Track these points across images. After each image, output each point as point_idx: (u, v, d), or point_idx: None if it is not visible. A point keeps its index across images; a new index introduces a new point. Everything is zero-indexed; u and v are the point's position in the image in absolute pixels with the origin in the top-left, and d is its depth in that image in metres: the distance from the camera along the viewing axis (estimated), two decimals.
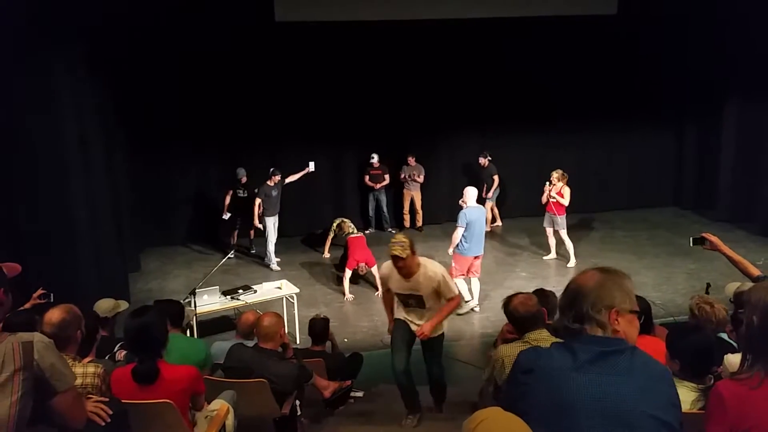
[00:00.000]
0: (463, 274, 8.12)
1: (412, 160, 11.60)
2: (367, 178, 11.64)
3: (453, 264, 8.09)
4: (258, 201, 10.06)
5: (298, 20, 10.40)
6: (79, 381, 3.29)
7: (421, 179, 11.63)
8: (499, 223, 12.23)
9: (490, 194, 11.66)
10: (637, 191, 13.15)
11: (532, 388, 1.89)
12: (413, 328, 4.97)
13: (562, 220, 9.71)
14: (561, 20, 11.07)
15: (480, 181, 11.35)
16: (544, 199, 9.73)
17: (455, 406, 5.27)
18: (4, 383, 2.12)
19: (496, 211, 12.15)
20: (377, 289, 8.91)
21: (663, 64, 12.10)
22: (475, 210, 8.03)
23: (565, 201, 9.59)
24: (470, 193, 8.11)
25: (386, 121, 11.68)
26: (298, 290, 7.95)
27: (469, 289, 8.28)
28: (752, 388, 2.05)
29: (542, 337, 3.59)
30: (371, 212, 11.93)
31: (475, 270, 8.20)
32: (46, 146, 6.82)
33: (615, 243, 11.18)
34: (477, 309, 8.40)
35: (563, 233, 9.80)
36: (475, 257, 8.13)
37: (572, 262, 9.82)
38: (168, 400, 3.23)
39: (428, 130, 11.98)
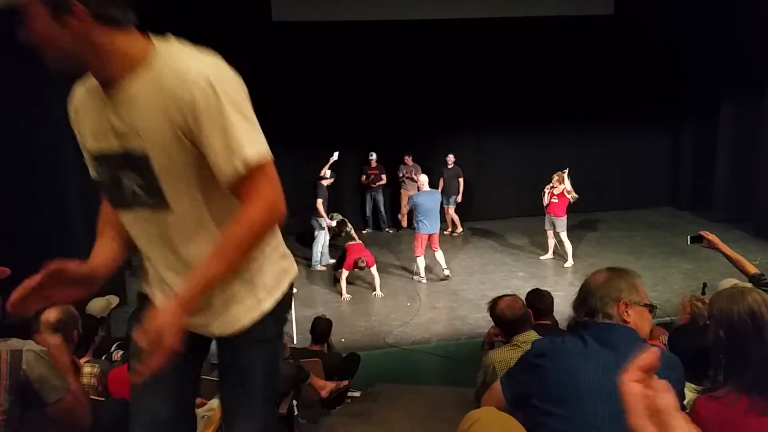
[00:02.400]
0: (422, 252, 9.23)
1: (409, 160, 11.60)
2: (363, 177, 11.62)
3: (414, 244, 9.31)
4: (320, 201, 10.05)
5: (295, 20, 10.41)
6: None
7: (417, 179, 11.61)
8: (460, 229, 11.89)
9: (459, 198, 11.63)
10: (633, 191, 13.17)
11: (545, 369, 1.97)
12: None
13: (561, 222, 9.71)
14: (558, 20, 11.09)
15: (445, 180, 11.45)
16: (545, 201, 9.77)
17: (453, 408, 5.27)
18: None
19: (456, 217, 11.83)
20: (374, 289, 8.92)
21: (659, 64, 12.12)
22: (423, 194, 9.23)
23: (572, 196, 9.61)
24: (421, 179, 9.49)
25: (383, 121, 11.68)
26: (295, 290, 7.89)
27: (425, 265, 9.41)
28: (729, 407, 2.03)
29: (530, 339, 3.55)
30: (368, 212, 11.93)
31: (433, 246, 9.29)
32: (44, 146, 6.81)
33: (611, 243, 11.19)
34: (448, 273, 9.45)
35: (563, 235, 9.81)
36: (430, 235, 9.17)
37: (569, 263, 9.83)
38: None
39: (425, 130, 11.97)
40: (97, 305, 4.93)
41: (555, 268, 9.87)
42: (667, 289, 8.88)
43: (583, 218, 12.44)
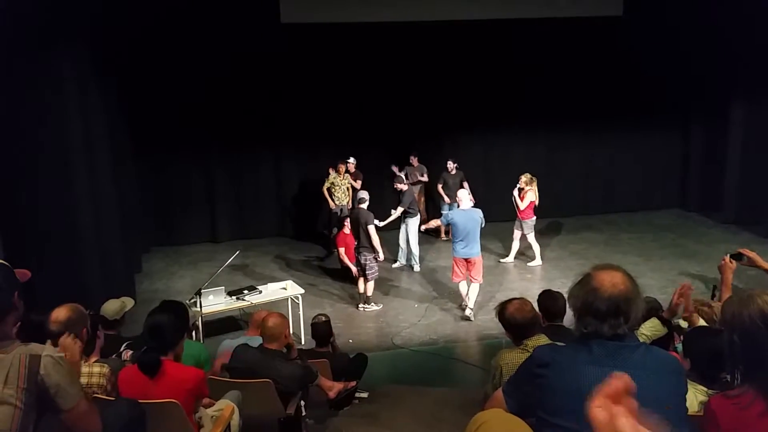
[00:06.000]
0: (460, 278, 8.12)
1: (414, 161, 11.45)
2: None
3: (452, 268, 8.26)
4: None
5: (303, 22, 10.43)
6: (84, 380, 3.32)
7: (424, 178, 11.47)
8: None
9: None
10: (642, 193, 13.11)
11: (549, 379, 1.94)
12: None
13: (527, 223, 9.72)
14: (567, 21, 11.07)
15: (446, 188, 10.93)
16: (517, 203, 9.79)
17: (460, 410, 5.26)
18: (7, 396, 2.09)
19: None
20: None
21: (669, 64, 12.07)
22: (460, 212, 8.00)
23: (522, 205, 9.62)
24: (460, 194, 8.23)
25: (390, 122, 11.68)
26: (303, 291, 7.96)
27: (466, 293, 8.26)
28: (743, 408, 2.02)
29: (541, 344, 3.54)
30: None
31: (473, 275, 8.06)
32: (52, 147, 6.85)
33: (620, 245, 11.14)
34: (471, 317, 8.09)
35: (530, 237, 9.83)
36: (467, 260, 7.99)
37: (509, 259, 10.08)
38: (174, 400, 3.24)
39: (433, 131, 11.96)
40: (112, 307, 4.93)
41: (563, 270, 9.83)
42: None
43: (591, 220, 12.42)
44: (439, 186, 11.14)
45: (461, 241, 7.91)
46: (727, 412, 2.05)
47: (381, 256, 8.59)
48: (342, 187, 10.67)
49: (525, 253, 10.30)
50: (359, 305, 8.61)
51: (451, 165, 11.01)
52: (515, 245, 10.12)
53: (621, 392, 0.95)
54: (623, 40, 11.58)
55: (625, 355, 1.91)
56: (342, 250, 8.99)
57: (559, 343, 2.14)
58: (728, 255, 4.05)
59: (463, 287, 8.24)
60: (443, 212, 9.83)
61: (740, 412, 2.02)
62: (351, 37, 10.91)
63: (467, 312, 8.16)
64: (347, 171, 10.83)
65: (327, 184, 10.65)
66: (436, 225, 8.97)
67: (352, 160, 10.93)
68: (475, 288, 8.15)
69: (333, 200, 10.68)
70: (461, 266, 8.05)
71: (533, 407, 1.97)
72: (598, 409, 0.93)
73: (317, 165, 11.36)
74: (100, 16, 8.07)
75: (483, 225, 8.02)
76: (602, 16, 11.04)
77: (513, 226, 10.04)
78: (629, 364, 1.88)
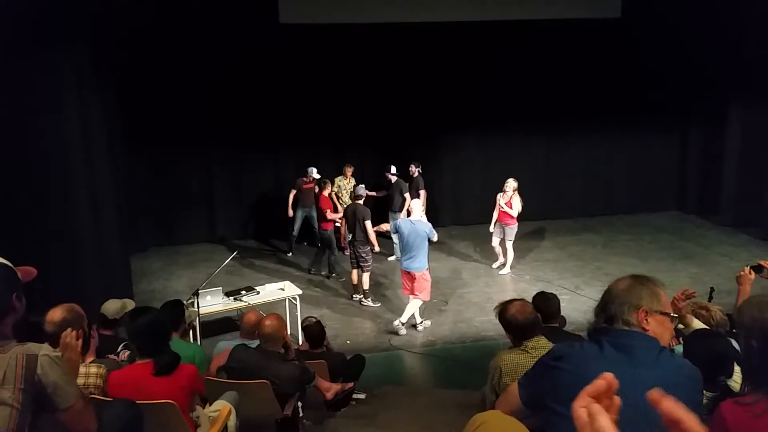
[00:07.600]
0: (407, 291, 7.83)
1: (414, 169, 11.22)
2: (294, 193, 10.47)
3: None
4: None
5: (302, 22, 10.43)
6: (81, 381, 3.31)
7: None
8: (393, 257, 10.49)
9: (402, 215, 9.93)
10: (640, 195, 13.13)
11: (560, 370, 2.01)
12: None
13: (512, 229, 9.58)
14: (565, 23, 11.08)
15: (400, 193, 10.32)
16: (495, 214, 9.63)
17: (458, 411, 5.27)
18: (4, 397, 2.08)
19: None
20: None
21: (667, 67, 12.09)
22: (407, 222, 7.69)
23: (514, 212, 9.46)
24: (413, 204, 8.04)
25: (389, 123, 11.67)
26: (300, 292, 7.95)
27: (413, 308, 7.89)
28: (758, 416, 1.99)
29: (540, 345, 3.54)
30: (295, 231, 10.73)
31: (416, 290, 7.69)
32: (51, 146, 6.84)
33: (618, 247, 11.15)
34: (400, 332, 7.79)
35: (509, 244, 9.67)
36: (409, 273, 7.67)
37: (506, 270, 9.82)
38: (170, 401, 3.24)
39: (430, 132, 11.96)
40: (113, 307, 4.92)
41: (561, 272, 9.84)
42: (673, 293, 8.81)
43: (590, 222, 12.44)
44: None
45: (405, 252, 7.68)
46: (739, 419, 2.01)
47: (377, 248, 8.87)
48: (348, 190, 10.55)
49: (493, 258, 10.21)
50: (353, 295, 8.87)
51: (413, 168, 10.43)
52: (498, 250, 9.96)
53: (603, 391, 0.96)
54: (621, 42, 11.59)
55: (636, 354, 1.94)
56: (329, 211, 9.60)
57: (574, 342, 2.18)
58: (748, 266, 4.05)
59: (414, 304, 7.86)
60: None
61: (754, 421, 1.99)
62: (350, 38, 10.90)
63: (419, 326, 7.91)
64: (315, 179, 10.42)
65: (334, 189, 10.29)
66: (386, 229, 8.73)
67: (311, 169, 10.37)
68: (414, 303, 7.78)
69: (340, 204, 10.26)
70: (406, 279, 7.78)
71: (544, 399, 2.02)
72: (581, 408, 0.94)
73: (317, 166, 11.35)
74: (100, 16, 8.06)
75: (435, 239, 7.74)
76: (600, 18, 11.06)
77: (493, 233, 9.79)
78: (638, 363, 1.90)
